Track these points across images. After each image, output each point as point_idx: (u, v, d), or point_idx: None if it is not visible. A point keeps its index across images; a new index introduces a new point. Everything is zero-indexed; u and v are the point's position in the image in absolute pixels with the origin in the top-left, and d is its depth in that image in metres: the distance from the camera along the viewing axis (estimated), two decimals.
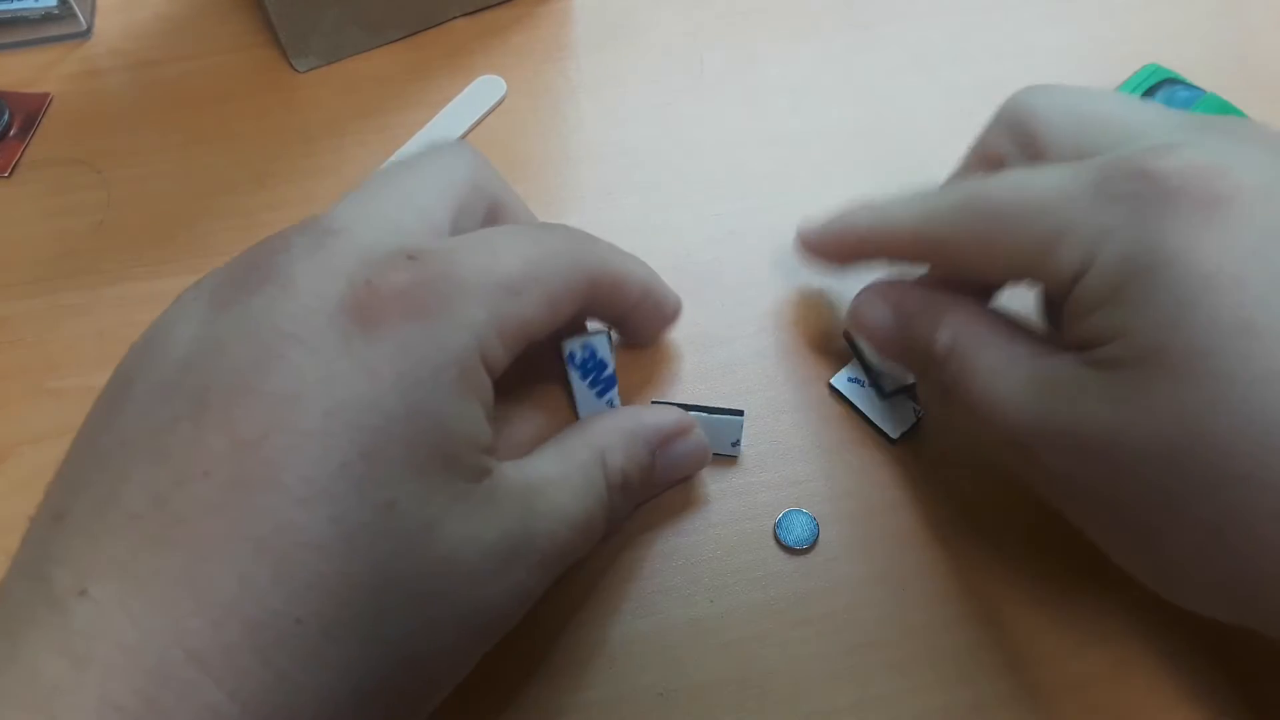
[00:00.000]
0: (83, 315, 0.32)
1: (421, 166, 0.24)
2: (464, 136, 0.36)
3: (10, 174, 0.35)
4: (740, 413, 0.28)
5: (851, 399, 0.30)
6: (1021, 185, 0.23)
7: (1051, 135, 0.25)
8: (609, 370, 0.28)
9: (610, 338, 0.28)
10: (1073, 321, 0.22)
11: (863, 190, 0.35)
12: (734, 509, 0.28)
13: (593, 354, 0.27)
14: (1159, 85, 0.35)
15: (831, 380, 0.30)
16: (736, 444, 0.29)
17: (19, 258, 0.33)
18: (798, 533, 0.28)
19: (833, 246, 0.29)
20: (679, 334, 0.31)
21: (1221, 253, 0.19)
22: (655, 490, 0.28)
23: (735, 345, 0.31)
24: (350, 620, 0.17)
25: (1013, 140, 0.26)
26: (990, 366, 0.23)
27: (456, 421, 0.20)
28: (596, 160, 0.36)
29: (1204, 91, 0.35)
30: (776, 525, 0.28)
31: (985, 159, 0.27)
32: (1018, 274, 0.24)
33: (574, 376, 0.27)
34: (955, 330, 0.25)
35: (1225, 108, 0.34)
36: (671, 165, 0.36)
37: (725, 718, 0.25)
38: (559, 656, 0.26)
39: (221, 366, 0.18)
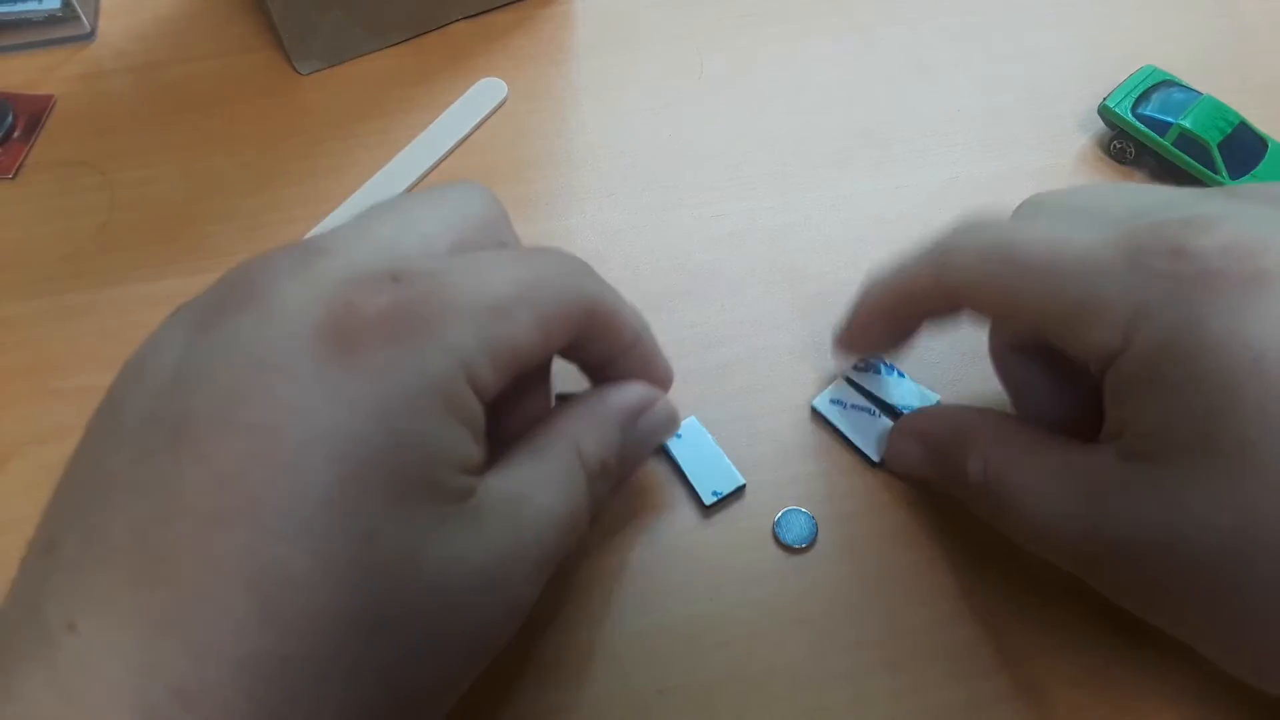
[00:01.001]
0: (86, 316, 0.32)
1: (432, 197, 0.23)
2: (465, 139, 0.36)
3: (14, 176, 0.35)
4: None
5: (834, 422, 0.30)
6: (1053, 241, 0.22)
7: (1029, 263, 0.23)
8: None
9: None
10: (1111, 403, 0.22)
11: (861, 190, 0.35)
12: (734, 509, 0.28)
13: None
14: (1156, 86, 0.35)
15: (814, 403, 0.30)
16: (717, 494, 0.28)
17: (23, 259, 0.33)
18: (797, 532, 0.28)
19: (867, 323, 0.28)
20: (680, 334, 0.31)
21: (1266, 334, 0.18)
22: (632, 468, 0.26)
23: (735, 345, 0.31)
24: (336, 656, 0.17)
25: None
26: (1028, 486, 0.23)
27: (439, 447, 0.19)
28: (597, 162, 0.36)
29: (1200, 93, 0.35)
30: (775, 524, 0.28)
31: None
32: (1043, 334, 0.23)
33: None
34: (984, 456, 0.24)
35: (1221, 109, 0.34)
36: (671, 166, 0.36)
37: (724, 716, 0.25)
38: (559, 655, 0.26)
39: (198, 397, 0.18)
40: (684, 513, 0.28)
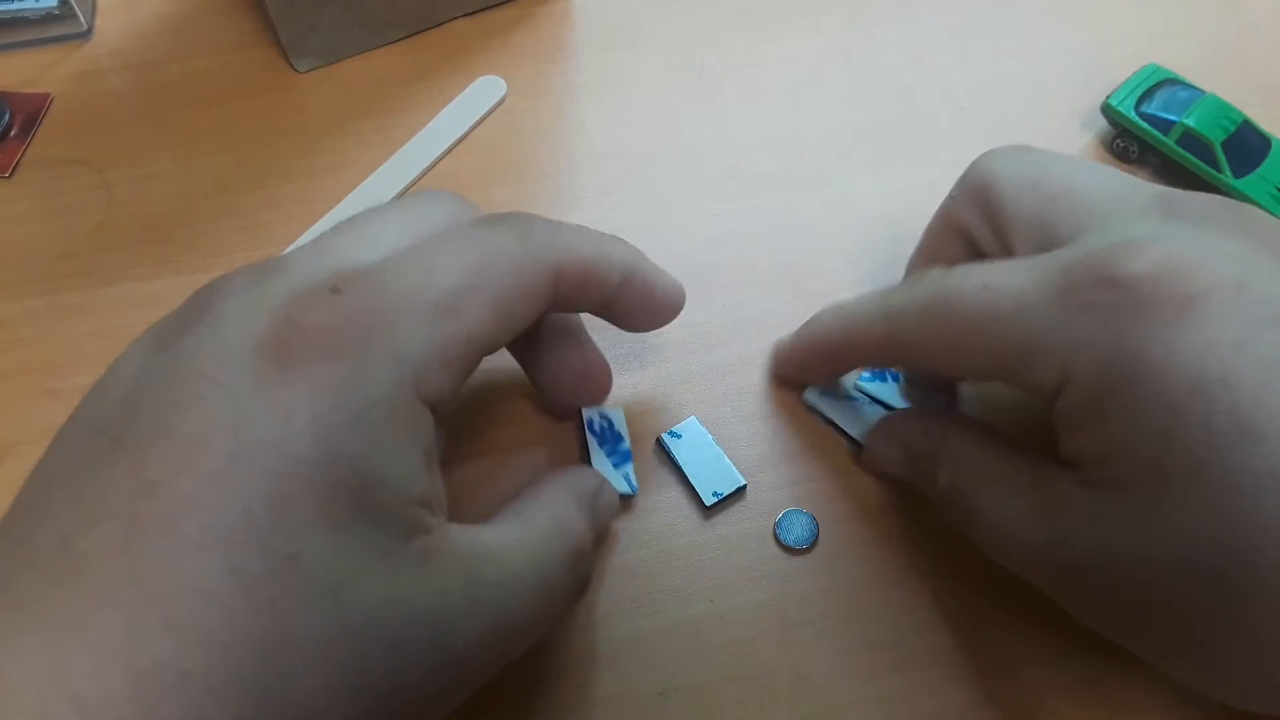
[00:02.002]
0: (83, 315, 0.32)
1: (396, 208, 0.23)
2: (464, 137, 0.36)
3: (11, 174, 0.35)
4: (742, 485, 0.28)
5: (825, 412, 0.29)
6: (988, 288, 0.22)
7: (1014, 209, 0.24)
8: (624, 444, 0.28)
9: (623, 414, 0.29)
10: (1062, 436, 0.22)
11: (860, 190, 0.35)
12: (734, 509, 0.28)
13: (610, 425, 0.28)
14: (1159, 85, 0.35)
15: (805, 396, 0.30)
16: (717, 494, 0.28)
17: (19, 258, 0.33)
18: (798, 532, 0.28)
19: (808, 362, 0.29)
20: (679, 334, 0.31)
21: (1203, 355, 0.19)
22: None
23: (735, 345, 0.31)
24: (242, 677, 0.16)
25: (977, 210, 0.25)
26: (991, 503, 0.23)
27: (382, 469, 0.18)
28: (597, 160, 0.36)
29: (1204, 91, 0.35)
30: (776, 525, 0.28)
31: (950, 228, 0.27)
32: (992, 378, 0.23)
33: (592, 442, 0.28)
34: (954, 467, 0.25)
35: (1225, 108, 0.34)
36: (671, 165, 0.36)
37: (725, 717, 0.25)
38: (559, 656, 0.26)
39: (143, 408, 0.18)
40: (684, 513, 0.28)
